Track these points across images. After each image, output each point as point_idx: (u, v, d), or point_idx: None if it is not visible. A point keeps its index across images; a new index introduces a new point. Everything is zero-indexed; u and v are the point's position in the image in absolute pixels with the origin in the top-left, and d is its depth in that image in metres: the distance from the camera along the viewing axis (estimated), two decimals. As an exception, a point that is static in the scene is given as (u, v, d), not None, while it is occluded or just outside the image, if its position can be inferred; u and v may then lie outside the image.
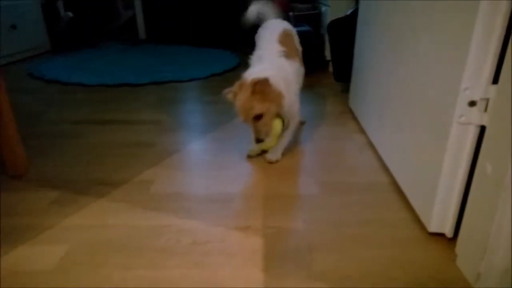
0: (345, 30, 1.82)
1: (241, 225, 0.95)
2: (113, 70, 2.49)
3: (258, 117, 1.09)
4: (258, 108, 1.07)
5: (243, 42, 3.22)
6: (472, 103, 0.74)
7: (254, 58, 1.29)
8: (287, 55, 1.24)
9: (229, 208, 1.03)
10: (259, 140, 1.13)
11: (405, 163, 1.04)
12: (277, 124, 1.19)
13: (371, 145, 1.39)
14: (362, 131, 1.51)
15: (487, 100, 0.72)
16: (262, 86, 1.05)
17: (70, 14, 3.20)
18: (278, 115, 1.19)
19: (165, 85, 2.21)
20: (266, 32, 1.38)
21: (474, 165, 0.76)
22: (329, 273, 0.79)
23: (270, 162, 1.25)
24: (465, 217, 0.79)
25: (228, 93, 1.14)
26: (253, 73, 1.13)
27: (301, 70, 1.34)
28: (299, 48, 1.47)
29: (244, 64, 2.62)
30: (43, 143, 1.43)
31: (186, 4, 3.34)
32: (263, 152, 1.31)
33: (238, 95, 1.09)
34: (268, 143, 1.21)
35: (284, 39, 1.29)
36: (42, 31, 3.04)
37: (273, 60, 1.22)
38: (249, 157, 1.30)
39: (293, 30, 1.44)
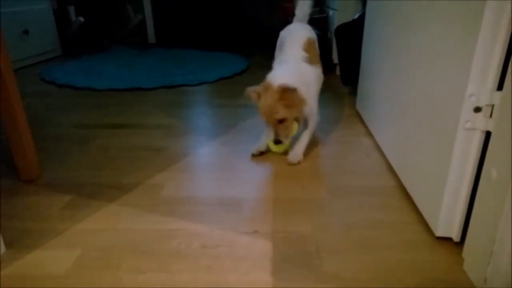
0: (353, 34, 1.83)
1: (250, 229, 0.96)
2: (124, 74, 2.53)
3: (281, 121, 1.16)
4: (283, 113, 1.13)
5: (252, 45, 3.25)
6: (477, 109, 0.75)
7: (277, 62, 1.34)
8: (310, 60, 1.31)
9: (238, 211, 1.05)
10: (278, 141, 1.21)
11: (412, 167, 1.05)
12: (294, 126, 1.25)
13: (378, 148, 1.39)
14: (369, 134, 1.52)
15: (492, 106, 0.73)
16: (290, 95, 1.11)
17: (81, 19, 3.26)
18: (296, 119, 1.26)
19: (175, 89, 2.25)
20: (290, 37, 1.42)
21: (480, 170, 0.76)
22: (338, 276, 0.80)
23: (292, 164, 1.27)
24: (471, 222, 0.80)
25: (253, 92, 1.18)
26: (277, 76, 1.17)
27: (321, 76, 1.39)
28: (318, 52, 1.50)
29: (253, 67, 2.67)
30: (54, 147, 1.47)
31: (195, 8, 3.38)
32: (262, 153, 1.35)
33: (263, 97, 1.14)
34: (281, 145, 1.28)
35: (308, 46, 1.35)
36: (54, 36, 3.11)
37: (296, 65, 1.26)
38: (253, 155, 1.33)
39: (315, 36, 1.47)
